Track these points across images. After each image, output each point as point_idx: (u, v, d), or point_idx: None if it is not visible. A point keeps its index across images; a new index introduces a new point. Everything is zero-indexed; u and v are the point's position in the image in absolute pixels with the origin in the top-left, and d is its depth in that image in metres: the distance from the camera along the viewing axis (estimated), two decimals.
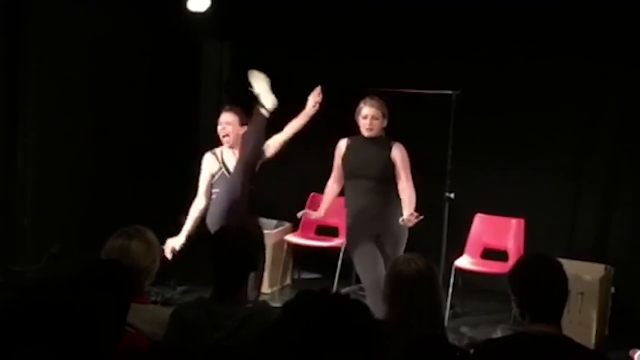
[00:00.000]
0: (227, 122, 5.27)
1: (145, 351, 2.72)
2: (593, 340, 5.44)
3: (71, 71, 6.52)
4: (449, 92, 6.10)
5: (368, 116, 5.19)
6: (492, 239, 6.39)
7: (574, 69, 6.41)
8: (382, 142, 5.25)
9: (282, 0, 7.19)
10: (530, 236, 6.26)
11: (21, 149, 6.25)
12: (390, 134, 5.38)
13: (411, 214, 4.99)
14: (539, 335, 2.64)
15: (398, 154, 5.21)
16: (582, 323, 5.46)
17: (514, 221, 6.36)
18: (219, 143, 5.33)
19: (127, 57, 7.08)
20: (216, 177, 5.24)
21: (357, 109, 5.23)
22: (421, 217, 4.98)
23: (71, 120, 6.55)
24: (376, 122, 5.19)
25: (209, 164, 5.27)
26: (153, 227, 3.23)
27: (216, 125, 5.35)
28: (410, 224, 5.01)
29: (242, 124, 5.28)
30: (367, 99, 5.23)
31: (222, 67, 7.98)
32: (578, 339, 2.69)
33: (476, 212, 6.45)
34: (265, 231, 5.29)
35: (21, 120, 6.23)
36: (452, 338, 3.29)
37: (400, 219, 5.02)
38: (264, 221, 5.56)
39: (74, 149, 6.62)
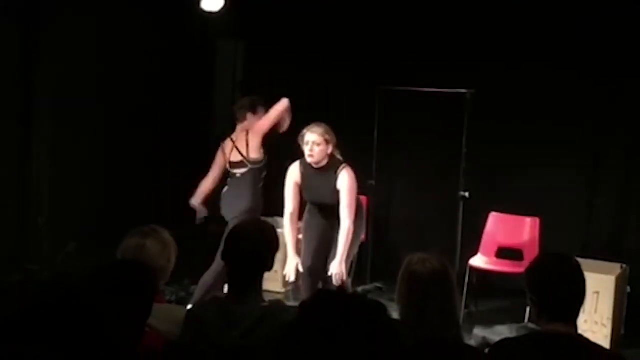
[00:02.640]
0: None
1: (161, 350, 2.72)
2: (609, 340, 5.41)
3: (85, 71, 6.55)
4: (464, 90, 6.09)
5: (309, 142, 5.03)
6: (507, 238, 6.36)
7: (589, 67, 6.38)
8: (330, 170, 5.09)
9: None
10: (545, 235, 6.23)
11: (36, 149, 6.29)
12: (405, 133, 5.35)
13: (337, 274, 4.97)
14: (555, 335, 2.63)
15: (343, 182, 5.04)
16: (597, 322, 5.44)
17: (529, 220, 6.33)
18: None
19: (141, 56, 7.11)
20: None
21: (300, 135, 5.09)
22: (348, 280, 5.11)
23: (86, 119, 6.59)
24: (318, 149, 5.01)
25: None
26: (168, 226, 3.25)
27: (231, 121, 5.50)
28: (335, 284, 4.93)
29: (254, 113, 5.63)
30: (311, 125, 5.07)
31: (236, 66, 8.00)
32: (594, 338, 2.68)
33: (491, 211, 6.43)
34: (279, 230, 5.30)
35: (36, 120, 6.27)
36: (466, 338, 3.28)
37: (329, 273, 5.02)
38: (277, 220, 5.55)
39: (89, 148, 6.66)
